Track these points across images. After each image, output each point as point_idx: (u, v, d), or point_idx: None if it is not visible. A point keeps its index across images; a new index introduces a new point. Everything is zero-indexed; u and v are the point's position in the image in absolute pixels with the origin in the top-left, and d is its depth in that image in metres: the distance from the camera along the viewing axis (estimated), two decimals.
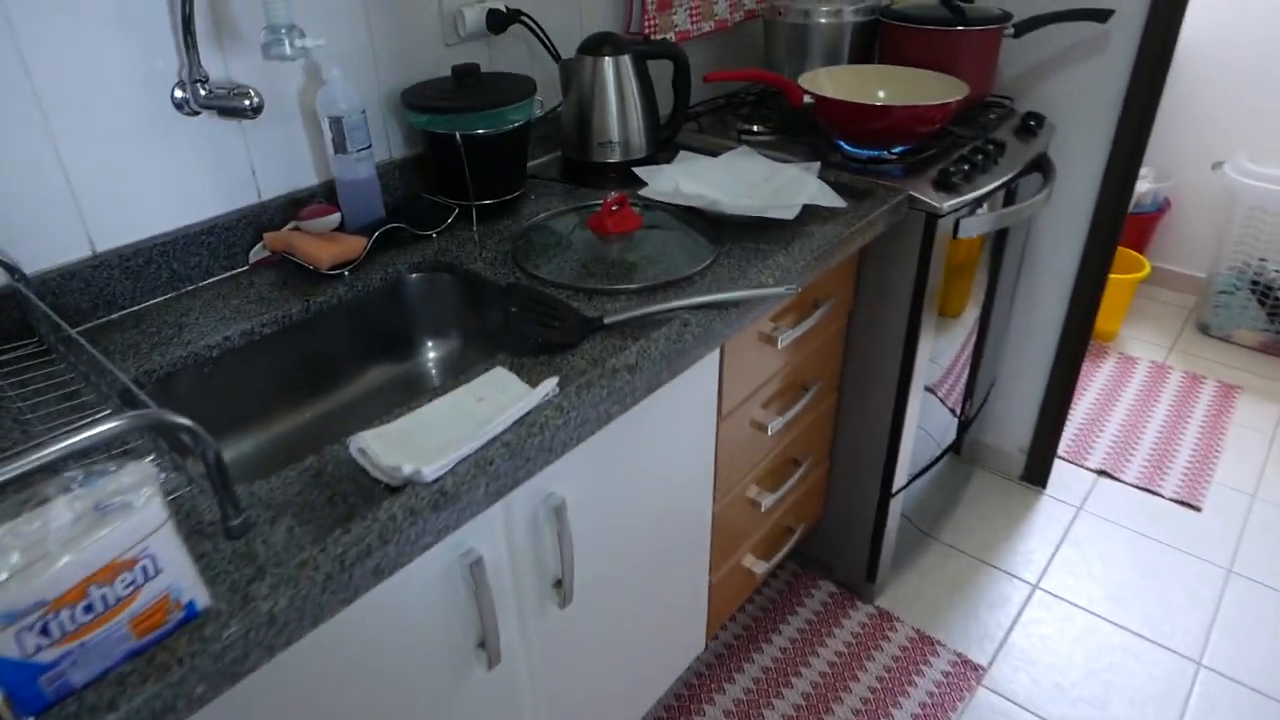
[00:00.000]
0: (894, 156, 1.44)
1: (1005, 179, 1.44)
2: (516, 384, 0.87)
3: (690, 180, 1.28)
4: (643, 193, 1.25)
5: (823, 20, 1.63)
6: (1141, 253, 2.75)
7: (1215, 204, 2.72)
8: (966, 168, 1.41)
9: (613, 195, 1.16)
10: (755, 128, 1.59)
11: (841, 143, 1.47)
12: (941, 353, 1.56)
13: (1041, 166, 1.61)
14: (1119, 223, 1.74)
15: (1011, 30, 1.57)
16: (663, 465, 1.11)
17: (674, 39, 1.60)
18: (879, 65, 1.57)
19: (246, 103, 0.99)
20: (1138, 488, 2.07)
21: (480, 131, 1.18)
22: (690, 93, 1.41)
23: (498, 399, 0.85)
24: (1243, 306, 2.58)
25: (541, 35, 1.39)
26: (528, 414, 0.82)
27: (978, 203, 1.40)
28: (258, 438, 1.04)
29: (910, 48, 1.58)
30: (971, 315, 1.65)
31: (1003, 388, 2.04)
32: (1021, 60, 1.71)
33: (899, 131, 1.40)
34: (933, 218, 1.34)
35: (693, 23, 1.64)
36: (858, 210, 1.27)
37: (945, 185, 1.35)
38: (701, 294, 1.01)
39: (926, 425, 1.63)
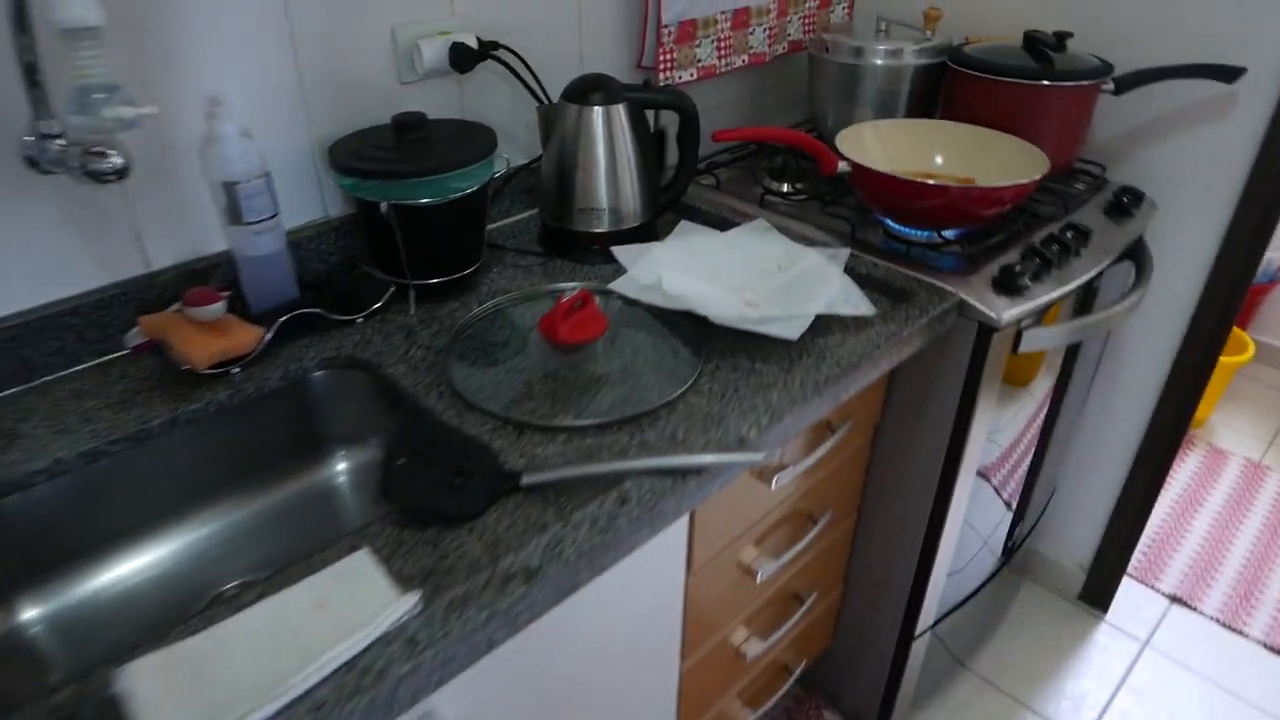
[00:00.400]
0: (948, 240, 1.16)
1: (1087, 277, 1.15)
2: (376, 583, 0.65)
3: (680, 268, 1.03)
4: (616, 286, 1.01)
5: (878, 61, 1.35)
6: (1244, 328, 2.39)
7: None
8: (1038, 262, 1.13)
9: (573, 291, 0.93)
10: (785, 188, 1.33)
11: (886, 219, 1.20)
12: (1003, 430, 1.25)
13: (1135, 256, 1.31)
14: (1228, 319, 1.43)
15: (1111, 86, 1.28)
16: (604, 640, 0.88)
17: (695, 76, 1.35)
18: (940, 121, 1.29)
19: (106, 165, 0.78)
20: (1218, 623, 1.75)
21: (421, 201, 0.96)
22: (698, 149, 1.16)
23: (342, 610, 0.63)
24: None
25: (523, 75, 1.16)
26: (367, 648, 0.60)
27: (1049, 307, 1.12)
28: (102, 579, 0.85)
29: (982, 102, 1.29)
30: (1043, 386, 1.33)
31: (1066, 492, 1.74)
32: (1120, 121, 1.41)
33: (956, 214, 1.13)
34: (987, 329, 1.07)
35: (720, 56, 1.38)
36: (890, 320, 1.01)
37: (1008, 286, 1.08)
38: (653, 454, 0.77)
39: (974, 519, 1.33)
